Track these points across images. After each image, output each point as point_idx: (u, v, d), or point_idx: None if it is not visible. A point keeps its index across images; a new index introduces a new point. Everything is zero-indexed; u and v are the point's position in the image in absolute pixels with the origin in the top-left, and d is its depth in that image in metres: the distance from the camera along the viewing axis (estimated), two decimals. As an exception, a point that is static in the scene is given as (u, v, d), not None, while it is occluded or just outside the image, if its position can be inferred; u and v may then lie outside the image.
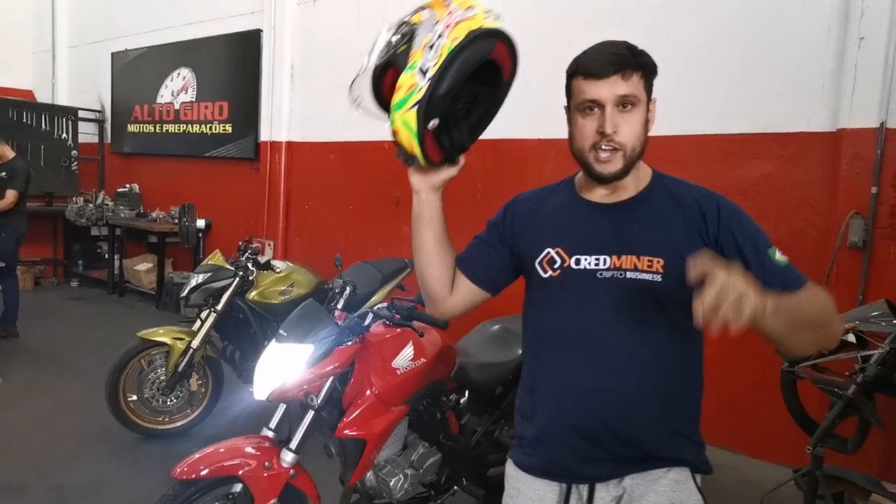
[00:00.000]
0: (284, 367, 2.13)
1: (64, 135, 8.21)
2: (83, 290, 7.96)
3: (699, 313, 1.01)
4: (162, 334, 3.62)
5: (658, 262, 1.31)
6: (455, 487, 2.68)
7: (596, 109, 1.30)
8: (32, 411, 4.00)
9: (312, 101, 6.11)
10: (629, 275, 1.32)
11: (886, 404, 3.02)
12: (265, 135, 6.44)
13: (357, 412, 2.24)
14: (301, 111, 6.24)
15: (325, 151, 6.03)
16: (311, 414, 2.19)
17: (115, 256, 7.71)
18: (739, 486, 3.49)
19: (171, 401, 3.68)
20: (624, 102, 1.29)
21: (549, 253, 1.39)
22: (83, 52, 8.79)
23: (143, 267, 7.43)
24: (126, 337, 3.80)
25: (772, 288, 1.15)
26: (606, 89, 1.28)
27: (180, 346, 3.55)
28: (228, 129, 6.87)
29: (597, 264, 1.35)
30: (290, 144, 6.32)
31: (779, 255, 1.31)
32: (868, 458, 3.20)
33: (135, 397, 3.62)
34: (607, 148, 1.29)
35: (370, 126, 5.92)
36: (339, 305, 2.56)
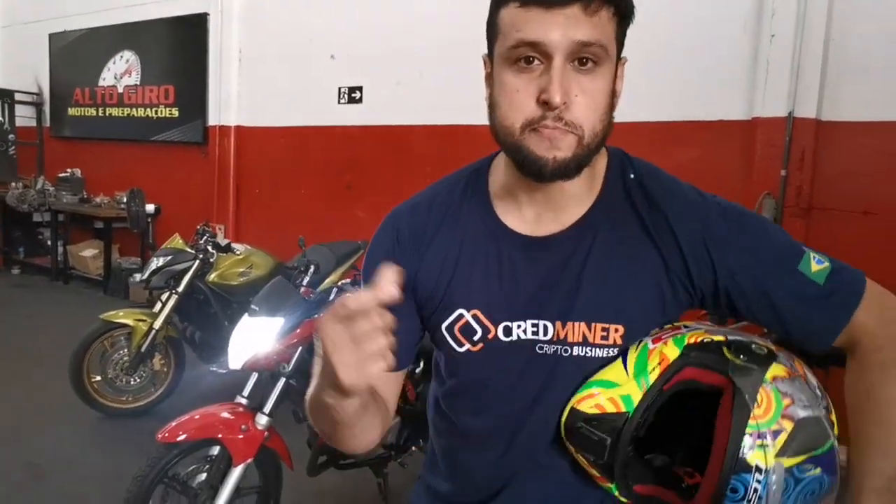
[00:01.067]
0: (257, 338, 2.33)
1: (0, 118, 8.01)
2: (25, 277, 7.83)
3: None
4: (123, 316, 3.74)
5: (617, 330, 0.90)
6: (413, 448, 2.93)
7: (536, 62, 0.82)
8: (-7, 395, 4.06)
9: (261, 85, 6.19)
10: (576, 350, 0.90)
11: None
12: (213, 119, 6.47)
13: (324, 379, 2.45)
14: (250, 96, 6.30)
15: (275, 136, 6.13)
16: (282, 381, 2.40)
17: (59, 243, 7.61)
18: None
19: (135, 380, 3.81)
20: (583, 56, 0.81)
21: (462, 317, 0.94)
22: (17, 31, 8.55)
23: (88, 253, 7.37)
24: (77, 322, 3.88)
25: (824, 331, 0.86)
26: (558, 27, 0.79)
27: (143, 327, 3.68)
28: (175, 112, 6.86)
29: (535, 333, 0.92)
30: (238, 129, 6.38)
31: (815, 265, 0.87)
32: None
33: (99, 378, 3.73)
34: (554, 128, 0.82)
35: (319, 111, 6.05)
36: (305, 282, 2.76)
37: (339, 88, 5.54)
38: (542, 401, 0.92)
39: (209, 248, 3.79)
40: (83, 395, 3.67)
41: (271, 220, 6.16)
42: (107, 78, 7.51)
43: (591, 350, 0.90)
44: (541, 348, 0.91)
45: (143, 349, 3.68)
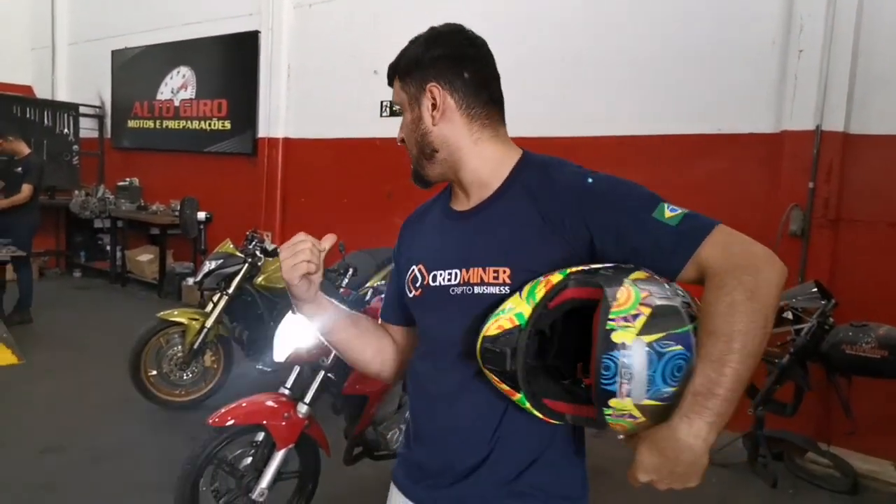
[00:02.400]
0: (300, 334, 2.55)
1: (65, 130, 8.54)
2: (86, 280, 8.30)
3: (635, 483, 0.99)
4: (178, 315, 4.02)
5: (504, 272, 1.14)
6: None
7: None
8: (57, 387, 4.39)
9: (308, 99, 6.50)
10: (476, 289, 1.16)
11: (820, 375, 3.48)
12: (263, 131, 6.82)
13: (359, 372, 2.65)
14: (297, 109, 6.62)
15: (321, 147, 6.42)
16: (321, 374, 2.60)
17: (118, 248, 8.05)
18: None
19: (188, 375, 4.08)
20: (395, 111, 1.39)
21: (412, 270, 1.27)
22: (82, 49, 9.11)
23: (144, 258, 7.78)
24: (133, 322, 4.17)
25: (674, 257, 1.03)
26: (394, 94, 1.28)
27: (196, 325, 3.95)
28: (227, 125, 7.23)
29: (449, 279, 1.20)
30: (286, 141, 6.70)
31: (668, 212, 1.07)
32: (804, 421, 3.64)
33: (155, 372, 4.02)
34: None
35: (363, 124, 6.30)
36: (344, 283, 2.97)
37: (382, 102, 5.79)
38: (461, 334, 1.18)
39: (257, 252, 4.04)
40: (140, 388, 3.96)
41: (315, 227, 6.32)
42: (164, 92, 7.95)
43: (486, 288, 1.16)
44: (452, 291, 1.20)
45: (195, 346, 3.95)
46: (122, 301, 7.22)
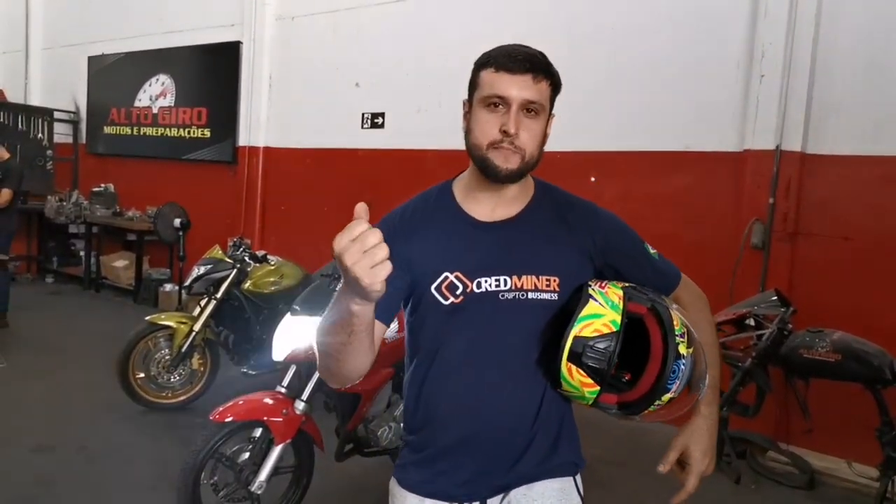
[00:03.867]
0: (297, 334, 2.68)
1: (40, 135, 8.48)
2: (58, 285, 8.24)
3: (681, 498, 1.37)
4: (166, 318, 4.11)
5: (554, 280, 1.32)
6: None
7: (501, 107, 1.26)
8: (43, 389, 4.43)
9: (290, 109, 6.62)
10: (530, 295, 1.31)
11: (780, 378, 3.72)
12: (243, 140, 6.90)
13: (354, 372, 2.80)
14: (278, 118, 6.73)
15: (301, 157, 6.54)
16: (317, 372, 2.74)
17: (92, 254, 8.02)
18: (656, 448, 4.15)
19: (175, 378, 4.17)
20: (529, 108, 1.26)
21: (447, 278, 1.31)
22: (57, 54, 9.08)
23: (120, 263, 7.77)
24: (110, 326, 4.22)
25: (657, 282, 1.39)
26: (516, 88, 1.25)
27: (184, 328, 4.04)
28: (207, 133, 7.30)
29: (497, 286, 1.30)
30: (267, 149, 6.80)
31: (652, 250, 1.43)
32: (765, 422, 3.88)
33: (142, 375, 4.09)
34: (508, 147, 1.26)
35: (344, 135, 6.45)
36: (338, 287, 3.10)
37: (363, 114, 5.95)
38: (514, 331, 1.32)
39: (246, 258, 4.15)
40: (127, 390, 4.02)
41: (295, 235, 6.54)
42: (142, 99, 7.98)
43: (539, 294, 1.31)
44: (503, 296, 1.31)
45: (183, 349, 4.03)
46: (98, 306, 7.21)
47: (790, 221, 3.97)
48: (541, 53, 1.30)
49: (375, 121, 5.92)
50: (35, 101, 9.09)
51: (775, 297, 3.67)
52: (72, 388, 4.47)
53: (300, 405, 2.68)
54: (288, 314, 2.74)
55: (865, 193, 3.78)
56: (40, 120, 8.50)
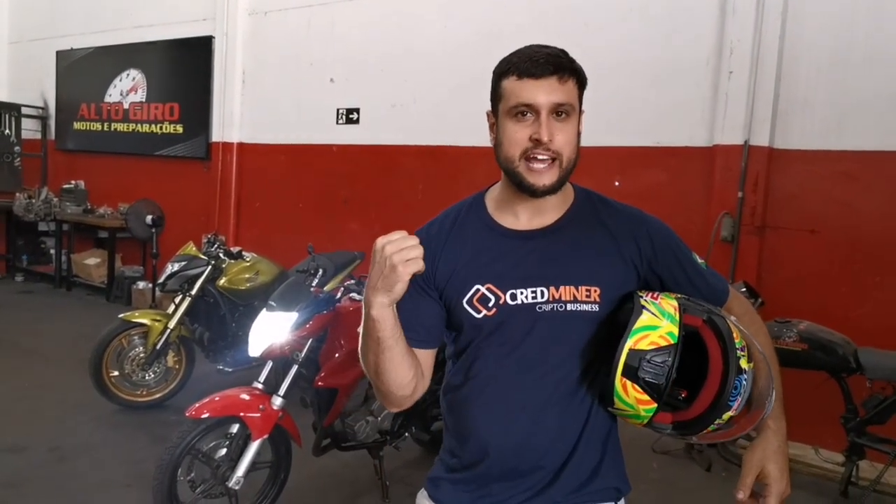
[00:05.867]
0: (274, 330, 2.69)
1: (7, 131, 8.31)
2: (29, 284, 8.10)
3: None
4: (140, 316, 4.08)
5: (595, 290, 1.24)
6: (406, 434, 3.28)
7: (529, 115, 1.20)
8: (12, 389, 4.36)
9: (264, 105, 6.58)
10: (569, 307, 1.24)
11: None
12: (217, 136, 6.84)
13: (331, 366, 2.81)
14: (252, 114, 6.68)
15: (276, 153, 6.50)
16: (294, 368, 2.75)
17: (62, 252, 7.89)
18: (631, 435, 4.23)
19: (150, 375, 4.14)
20: (559, 111, 1.20)
21: (479, 290, 1.26)
22: (23, 48, 8.90)
23: (91, 261, 7.66)
24: (82, 325, 4.18)
25: (707, 295, 1.30)
26: (543, 93, 1.18)
27: (159, 326, 4.01)
28: (179, 129, 7.22)
29: (534, 297, 1.24)
30: (241, 146, 6.75)
31: (700, 260, 1.35)
32: (735, 410, 3.96)
33: (116, 373, 4.05)
34: (543, 157, 1.19)
35: (319, 131, 6.44)
36: (314, 283, 3.12)
37: (338, 110, 5.94)
38: (554, 345, 1.25)
39: (221, 254, 4.14)
40: (101, 389, 3.99)
41: (270, 231, 6.51)
42: (113, 94, 7.86)
43: (579, 305, 1.24)
44: (540, 308, 1.25)
45: (158, 347, 4.01)
46: (69, 305, 7.11)
47: (758, 215, 4.06)
48: (562, 51, 1.25)
49: (350, 116, 5.91)
50: (2, 96, 8.89)
51: (744, 289, 3.74)
52: (44, 387, 4.41)
53: (277, 401, 2.69)
54: (264, 310, 2.75)
55: (831, 188, 3.88)
56: (7, 115, 8.32)
